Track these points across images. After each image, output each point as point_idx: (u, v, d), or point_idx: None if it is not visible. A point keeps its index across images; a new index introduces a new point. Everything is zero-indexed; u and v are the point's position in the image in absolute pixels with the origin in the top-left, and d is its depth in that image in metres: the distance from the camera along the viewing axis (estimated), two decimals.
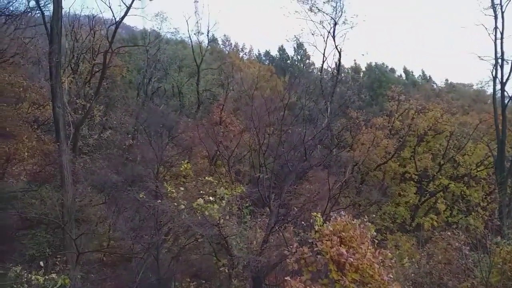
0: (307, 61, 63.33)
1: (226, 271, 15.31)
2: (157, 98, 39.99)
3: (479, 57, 28.60)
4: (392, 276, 10.24)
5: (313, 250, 10.23)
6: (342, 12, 34.84)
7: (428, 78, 75.84)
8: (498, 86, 28.58)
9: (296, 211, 16.59)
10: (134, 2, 23.23)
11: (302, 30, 48.55)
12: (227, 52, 64.29)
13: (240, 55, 67.71)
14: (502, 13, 28.03)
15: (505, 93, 28.42)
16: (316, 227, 10.87)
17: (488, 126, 33.28)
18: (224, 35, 71.14)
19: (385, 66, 69.04)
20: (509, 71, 27.87)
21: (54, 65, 18.80)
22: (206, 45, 42.63)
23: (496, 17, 28.19)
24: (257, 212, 18.31)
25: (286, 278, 9.84)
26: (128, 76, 42.65)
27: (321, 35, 36.21)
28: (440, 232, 18.40)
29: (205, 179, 17.34)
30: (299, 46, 58.15)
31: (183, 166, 20.56)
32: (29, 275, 10.15)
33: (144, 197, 15.81)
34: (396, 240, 25.69)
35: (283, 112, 23.90)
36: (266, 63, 67.97)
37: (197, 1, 39.68)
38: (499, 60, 28.10)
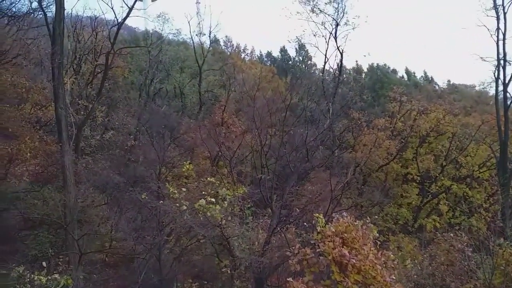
0: (309, 62, 63.43)
1: (228, 272, 15.29)
2: (159, 99, 40.04)
3: (481, 58, 28.68)
4: (394, 278, 10.23)
5: (315, 251, 10.22)
6: (344, 13, 34.97)
7: (430, 79, 75.78)
8: (501, 87, 28.63)
9: (298, 212, 16.55)
10: (136, 3, 23.31)
11: (304, 31, 48.70)
12: (229, 53, 64.39)
13: (242, 56, 67.82)
14: (505, 14, 28.09)
15: (508, 94, 28.44)
16: (318, 228, 10.86)
17: (491, 127, 33.23)
18: (226, 36, 71.27)
19: (387, 67, 69.06)
20: (511, 72, 27.87)
21: (57, 66, 18.83)
22: (208, 46, 42.77)
23: (498, 18, 28.22)
24: (259, 213, 18.30)
25: (288, 279, 9.83)
26: (130, 77, 42.73)
27: (323, 36, 36.43)
28: (442, 233, 18.34)
29: (207, 180, 17.32)
30: (301, 47, 58.31)
31: (185, 167, 20.55)
32: (32, 275, 10.18)
33: (146, 197, 15.81)
34: (399, 241, 25.63)
35: (285, 113, 23.90)
36: (268, 64, 67.99)
37: (199, 2, 39.83)
38: (502, 61, 28.14)
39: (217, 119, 33.34)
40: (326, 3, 34.95)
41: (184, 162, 23.26)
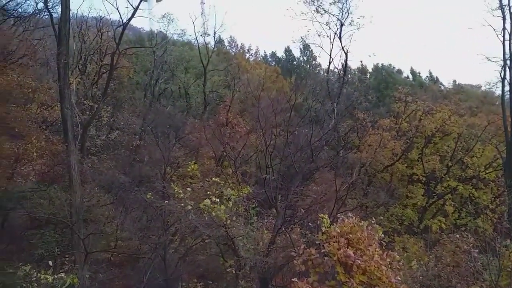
0: (314, 62, 63.27)
1: (233, 272, 15.29)
2: (164, 99, 40.20)
3: (487, 58, 28.49)
4: (399, 279, 10.19)
5: (320, 251, 10.21)
6: (348, 13, 34.83)
7: (436, 79, 75.37)
8: (507, 87, 28.45)
9: (303, 212, 16.52)
10: (141, 3, 23.40)
11: (308, 31, 48.45)
12: (233, 53, 64.43)
13: (246, 56, 67.86)
14: (511, 14, 27.84)
15: None
16: (323, 229, 10.85)
17: (497, 127, 33.01)
18: (231, 37, 71.32)
19: (392, 67, 68.77)
20: None
21: (62, 66, 18.93)
22: (213, 46, 42.82)
23: (504, 18, 28.03)
24: (264, 213, 18.29)
25: (293, 279, 9.84)
26: (135, 77, 42.90)
27: (327, 36, 36.20)
28: (448, 234, 18.27)
29: (212, 180, 17.35)
30: (305, 47, 58.15)
31: (190, 167, 20.60)
32: (38, 274, 10.26)
33: (152, 197, 15.86)
34: (404, 242, 25.49)
35: (289, 113, 23.86)
36: (272, 64, 67.99)
37: (204, 3, 40.01)
38: (508, 61, 27.90)
39: (222, 119, 33.39)
40: (330, 3, 34.90)
41: (189, 162, 23.34)
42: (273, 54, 75.74)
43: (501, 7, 28.03)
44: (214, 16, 67.58)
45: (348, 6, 34.65)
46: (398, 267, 10.73)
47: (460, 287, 14.14)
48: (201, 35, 53.15)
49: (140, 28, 67.97)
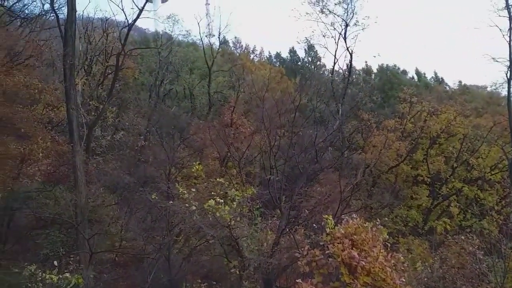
0: (318, 63, 63.11)
1: (237, 272, 15.30)
2: (169, 100, 40.29)
3: (493, 58, 28.26)
4: (404, 280, 10.17)
5: (325, 252, 10.21)
6: (353, 13, 34.71)
7: (441, 80, 75.00)
8: None
9: (307, 213, 16.53)
10: (147, 4, 23.52)
11: (313, 32, 48.71)
12: (238, 54, 64.46)
13: (251, 57, 67.83)
14: None
15: None
16: (328, 230, 10.85)
17: (503, 128, 32.80)
18: (235, 37, 71.36)
19: (396, 67, 68.45)
20: None
21: (68, 67, 19.07)
22: (217, 47, 42.84)
23: (510, 18, 27.79)
24: (268, 214, 18.29)
25: (297, 280, 9.86)
26: (140, 78, 43.02)
27: (332, 37, 36.12)
28: (453, 236, 18.19)
29: (216, 181, 17.39)
30: (310, 48, 58.14)
31: (194, 168, 20.65)
32: (43, 274, 10.34)
33: (156, 198, 15.91)
34: (409, 243, 25.42)
35: (294, 114, 23.86)
36: (277, 65, 67.91)
37: (209, 4, 40.18)
38: None
39: (226, 120, 33.41)
40: (335, 4, 34.79)
41: (194, 163, 23.39)
42: (278, 55, 75.71)
43: (508, 7, 27.80)
44: (219, 17, 68.07)
45: (353, 6, 34.56)
46: (402, 268, 10.71)
47: None
48: (206, 36, 53.37)
49: (145, 29, 68.35)
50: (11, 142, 17.85)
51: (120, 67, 25.37)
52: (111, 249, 18.50)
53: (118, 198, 22.19)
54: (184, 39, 45.20)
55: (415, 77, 72.34)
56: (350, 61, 36.23)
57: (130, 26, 24.13)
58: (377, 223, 11.30)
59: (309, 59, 65.10)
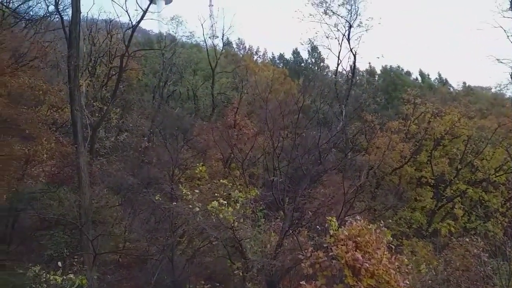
0: (322, 64, 63.06)
1: (240, 274, 15.30)
2: (172, 101, 40.43)
3: (497, 59, 28.17)
4: (408, 283, 10.13)
5: (328, 254, 10.19)
6: (357, 15, 34.76)
7: (445, 81, 74.79)
8: None
9: (310, 215, 16.51)
10: (150, 6, 23.59)
11: (316, 33, 48.46)
12: (241, 55, 64.52)
13: (254, 58, 67.85)
14: None
15: None
16: (331, 232, 10.82)
17: (507, 130, 32.63)
18: (239, 39, 71.36)
19: (400, 69, 68.38)
20: None
21: (73, 68, 19.17)
22: (221, 48, 42.98)
23: None
24: (271, 216, 18.27)
25: (301, 282, 9.82)
26: (144, 79, 43.19)
27: (335, 38, 36.17)
28: (457, 238, 18.07)
29: (220, 182, 17.38)
30: (314, 49, 58.04)
31: (198, 169, 20.66)
32: (47, 275, 10.35)
33: (160, 199, 15.94)
34: (413, 245, 25.31)
35: (297, 115, 23.87)
36: (280, 66, 67.93)
37: (212, 5, 40.18)
38: None
39: (230, 121, 33.45)
40: (339, 5, 34.85)
41: (197, 164, 23.40)
42: (281, 56, 75.75)
43: None
44: (222, 19, 68.07)
45: (356, 7, 34.61)
46: (406, 271, 10.66)
47: None
48: (209, 37, 53.58)
49: (149, 31, 68.57)
50: (15, 143, 17.95)
51: (124, 69, 25.47)
52: (115, 250, 18.54)
53: (122, 199, 22.24)
54: (188, 40, 45.42)
55: (419, 78, 72.20)
56: (354, 62, 36.25)
57: (134, 27, 24.22)
58: (381, 225, 11.26)
59: (313, 60, 65.08)
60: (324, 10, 35.05)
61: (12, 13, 22.75)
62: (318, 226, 13.64)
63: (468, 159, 32.81)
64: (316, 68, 63.55)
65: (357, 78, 46.34)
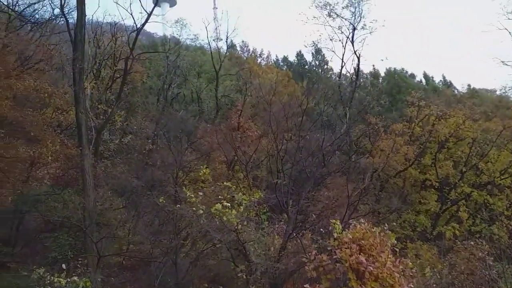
0: (325, 66, 63.16)
1: (244, 277, 15.25)
2: (176, 103, 40.55)
3: (502, 62, 27.99)
4: (413, 286, 10.10)
5: (332, 257, 10.17)
6: (361, 17, 34.70)
7: (449, 83, 74.64)
8: None
9: (314, 217, 16.46)
10: (155, 9, 23.70)
11: (320, 35, 48.72)
12: (245, 58, 64.68)
13: (258, 61, 68.04)
14: None
15: None
16: (335, 235, 10.80)
17: None
18: (243, 41, 71.73)
19: (404, 71, 68.31)
20: None
21: (78, 71, 19.27)
22: (225, 51, 43.03)
23: None
24: (275, 218, 18.26)
25: (305, 285, 9.82)
26: (149, 82, 43.36)
27: (339, 40, 36.10)
28: (462, 241, 17.98)
29: (223, 184, 17.40)
30: (317, 51, 58.06)
31: (202, 171, 20.71)
32: (52, 277, 10.41)
33: (164, 201, 15.98)
34: (417, 249, 25.17)
35: (301, 118, 23.87)
36: (284, 69, 68.03)
37: (216, 8, 40.35)
38: None
39: (234, 123, 33.47)
40: (343, 8, 34.80)
41: (201, 166, 23.46)
42: (285, 59, 75.87)
43: None
44: (226, 21, 68.12)
45: (360, 10, 34.54)
46: (411, 274, 10.62)
47: None
48: (213, 40, 53.83)
49: (153, 33, 69.00)
50: (21, 145, 18.04)
51: (128, 71, 25.58)
52: (119, 253, 18.56)
53: (126, 201, 22.29)
54: (192, 43, 45.58)
55: (423, 80, 72.11)
56: (358, 65, 36.17)
57: (139, 30, 24.34)
58: (385, 228, 11.23)
59: (316, 62, 65.12)
60: (328, 12, 35.06)
61: (18, 16, 22.93)
62: (322, 229, 13.62)
63: (473, 162, 32.65)
64: (320, 70, 63.59)
65: (361, 80, 46.33)
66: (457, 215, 31.54)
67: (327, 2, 35.01)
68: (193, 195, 15.00)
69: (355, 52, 35.28)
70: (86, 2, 19.68)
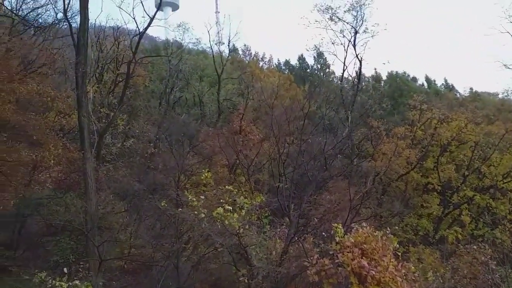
0: (327, 70, 63.14)
1: (246, 281, 15.20)
2: (178, 107, 40.65)
3: (504, 65, 27.97)
4: None
5: (334, 262, 10.16)
6: (363, 21, 34.75)
7: (451, 86, 74.55)
8: None
9: (316, 221, 16.45)
10: (157, 13, 23.81)
11: (322, 39, 48.71)
12: (247, 61, 64.81)
13: (260, 65, 68.15)
14: None
15: None
16: (337, 239, 10.78)
17: None
18: (245, 45, 71.83)
19: (406, 74, 68.31)
20: None
21: (80, 75, 19.33)
22: (227, 55, 43.21)
23: None
24: (277, 222, 18.23)
25: None
26: (151, 85, 43.46)
27: (341, 44, 36.17)
28: (465, 245, 17.92)
29: (225, 188, 17.37)
30: (319, 55, 58.08)
31: (204, 175, 20.68)
32: (53, 281, 10.39)
33: (165, 205, 15.96)
34: (419, 253, 25.07)
35: (303, 121, 23.86)
36: (286, 72, 68.13)
37: (218, 12, 40.54)
38: None
39: (235, 127, 33.49)
40: (345, 11, 34.86)
41: (203, 170, 23.44)
42: (287, 62, 75.97)
43: None
44: (228, 25, 68.50)
45: (362, 13, 34.59)
46: (413, 278, 10.58)
47: None
48: (215, 44, 54.00)
49: (156, 37, 69.27)
50: (23, 149, 18.09)
51: (131, 75, 25.66)
52: (120, 257, 18.56)
53: (128, 205, 22.32)
54: (194, 47, 45.78)
55: (425, 84, 72.08)
56: (360, 68, 36.20)
57: (141, 34, 24.43)
58: (387, 232, 11.22)
59: (318, 66, 65.14)
60: (330, 16, 35.13)
61: (21, 21, 23.07)
62: (323, 233, 13.60)
63: (475, 166, 32.56)
64: (321, 74, 63.61)
65: (363, 84, 46.35)
66: (459, 219, 31.41)
67: (329, 6, 35.12)
68: (194, 199, 14.96)
69: (357, 56, 35.36)
70: (89, 6, 19.77)
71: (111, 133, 29.23)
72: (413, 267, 10.84)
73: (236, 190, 17.93)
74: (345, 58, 36.39)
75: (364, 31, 34.69)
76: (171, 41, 44.37)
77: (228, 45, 42.02)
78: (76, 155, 21.14)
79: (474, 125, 33.46)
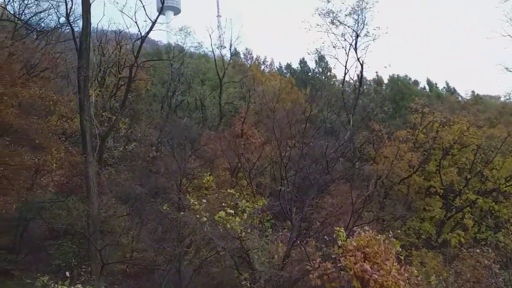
0: (329, 73, 63.26)
1: (248, 285, 15.14)
2: (180, 111, 40.71)
3: (506, 68, 27.93)
4: None
5: (336, 265, 10.12)
6: (364, 24, 34.83)
7: (453, 90, 74.51)
8: None
9: (318, 225, 16.40)
10: (159, 17, 23.93)
11: (323, 43, 48.83)
12: (248, 65, 64.92)
13: (262, 68, 68.24)
14: None
15: None
16: (339, 242, 10.76)
17: None
18: (246, 49, 71.97)
19: (408, 78, 68.31)
20: None
21: (83, 79, 19.41)
22: (229, 58, 43.27)
23: None
24: (279, 226, 18.18)
25: None
26: (153, 89, 43.58)
27: (342, 47, 36.24)
28: (468, 249, 17.84)
29: (227, 192, 17.37)
30: (321, 58, 58.33)
31: (205, 178, 20.69)
32: (55, 285, 10.37)
33: (167, 209, 15.97)
34: (422, 256, 24.93)
35: (304, 125, 23.89)
36: (287, 76, 68.20)
37: (220, 16, 40.73)
38: None
39: (237, 130, 33.52)
40: (346, 15, 34.95)
41: (205, 173, 23.46)
42: (288, 66, 76.14)
43: None
44: (230, 29, 68.37)
45: (363, 17, 34.67)
46: (416, 282, 10.54)
47: None
48: (217, 48, 54.20)
49: (158, 41, 69.54)
50: (25, 153, 18.14)
51: (133, 79, 25.76)
52: (122, 260, 18.54)
53: (130, 209, 22.32)
54: (196, 50, 45.92)
55: (427, 87, 72.09)
56: (361, 72, 36.25)
57: (143, 38, 24.55)
58: (389, 235, 11.18)
59: (320, 69, 65.29)
60: (331, 20, 35.21)
61: (24, 25, 23.22)
62: (326, 237, 13.56)
63: (477, 169, 32.46)
64: (323, 77, 63.70)
65: (365, 87, 46.26)
66: (462, 222, 31.28)
67: (330, 10, 35.21)
68: (196, 202, 14.96)
69: (358, 59, 35.41)
70: (91, 10, 19.88)
71: (113, 137, 29.27)
72: (415, 271, 10.80)
73: (238, 193, 17.92)
74: (346, 62, 36.47)
75: (366, 35, 34.81)
76: (173, 45, 44.52)
77: (230, 49, 42.13)
78: (78, 159, 21.19)
79: (476, 128, 33.40)
